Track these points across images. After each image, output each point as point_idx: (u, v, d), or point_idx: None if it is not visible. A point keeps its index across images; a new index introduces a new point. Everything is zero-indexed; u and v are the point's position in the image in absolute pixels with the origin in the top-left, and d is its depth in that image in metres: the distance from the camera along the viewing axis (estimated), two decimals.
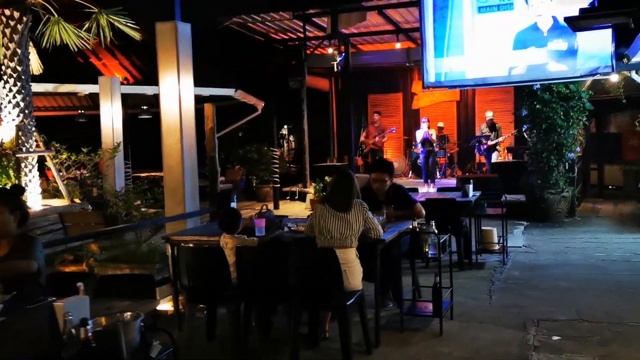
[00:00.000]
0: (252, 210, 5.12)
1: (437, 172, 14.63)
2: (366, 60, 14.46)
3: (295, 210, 12.81)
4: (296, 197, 14.67)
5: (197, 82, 12.07)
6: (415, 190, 8.22)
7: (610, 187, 16.33)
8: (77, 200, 7.68)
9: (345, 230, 4.32)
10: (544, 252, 7.74)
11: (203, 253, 4.46)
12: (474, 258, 7.17)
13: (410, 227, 4.85)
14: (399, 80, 16.53)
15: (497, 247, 7.26)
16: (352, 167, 11.95)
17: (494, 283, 6.23)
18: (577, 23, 5.17)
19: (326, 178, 12.43)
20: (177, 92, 5.46)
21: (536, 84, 9.73)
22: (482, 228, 7.36)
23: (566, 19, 5.11)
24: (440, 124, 14.97)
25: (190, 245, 4.62)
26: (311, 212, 4.71)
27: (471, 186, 7.32)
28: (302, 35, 13.07)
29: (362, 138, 15.08)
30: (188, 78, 5.60)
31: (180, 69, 5.49)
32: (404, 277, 5.18)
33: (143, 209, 6.56)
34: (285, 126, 19.75)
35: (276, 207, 13.41)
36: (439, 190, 8.14)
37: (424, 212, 5.45)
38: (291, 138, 21.57)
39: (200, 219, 6.05)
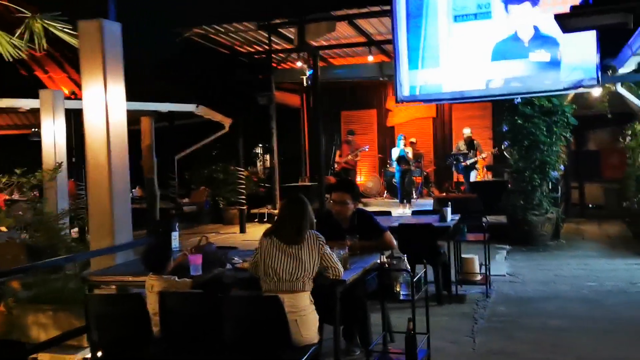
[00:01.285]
0: (205, 239, 4.23)
1: (414, 192, 13.93)
2: (338, 74, 13.75)
3: (259, 233, 11.93)
4: (265, 220, 13.80)
5: (154, 97, 11.46)
6: (389, 213, 7.44)
7: (591, 206, 15.82)
8: (3, 229, 6.73)
9: (296, 270, 3.49)
10: (531, 281, 6.98)
11: (116, 301, 3.58)
12: (454, 289, 6.38)
13: (379, 262, 4.03)
14: (372, 95, 15.85)
15: (479, 277, 6.48)
16: (323, 187, 11.14)
17: (477, 321, 5.43)
18: (568, 22, 4.46)
19: None
20: (103, 103, 4.60)
21: (517, 98, 9.07)
22: (463, 256, 6.57)
23: (556, 17, 4.40)
24: (413, 139, 14.28)
25: (105, 288, 3.74)
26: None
27: (449, 209, 6.55)
28: (268, 48, 12.35)
29: (336, 157, 14.32)
30: (118, 86, 4.75)
31: (108, 76, 4.65)
32: (373, 314, 4.36)
33: (72, 240, 5.66)
34: (260, 145, 18.95)
35: (242, 230, 12.56)
36: (414, 213, 7.37)
37: (395, 242, 4.65)
38: (266, 157, 20.75)
39: (134, 252, 5.16)
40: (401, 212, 12.41)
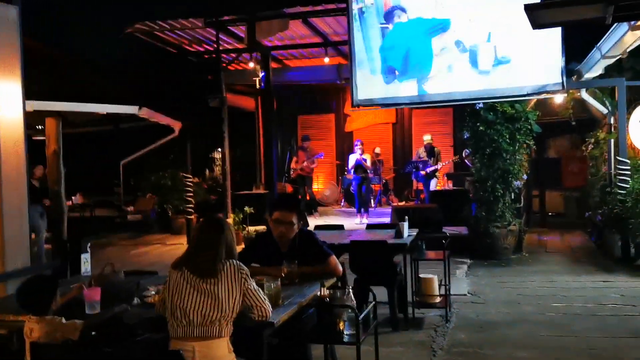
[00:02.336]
0: (110, 266, 3.47)
1: (372, 201, 13.35)
2: (293, 77, 13.09)
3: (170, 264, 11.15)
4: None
5: (92, 98, 10.58)
6: (341, 227, 6.79)
7: (551, 214, 15.59)
8: None
9: (211, 311, 2.79)
10: (494, 302, 6.42)
11: None
12: (410, 312, 5.78)
13: (319, 294, 3.35)
14: (330, 100, 15.26)
15: (438, 299, 5.88)
16: (274, 196, 10.43)
17: (435, 353, 4.82)
18: (538, 15, 3.90)
19: (246, 209, 10.92)
20: None
21: (479, 103, 8.57)
22: (421, 275, 5.96)
23: (526, 9, 3.82)
24: (377, 150, 13.73)
25: None
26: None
27: (406, 224, 5.93)
28: (217, 47, 11.60)
29: (292, 164, 13.63)
30: (12, 81, 3.97)
31: None
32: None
33: None
34: (220, 149, 17.98)
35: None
36: (369, 227, 6.74)
37: (340, 268, 3.98)
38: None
39: None
40: (358, 221, 11.85)
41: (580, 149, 12.73)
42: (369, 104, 8.93)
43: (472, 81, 8.38)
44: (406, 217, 6.09)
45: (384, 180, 13.74)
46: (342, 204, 14.07)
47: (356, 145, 11.91)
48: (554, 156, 17.71)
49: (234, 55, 12.31)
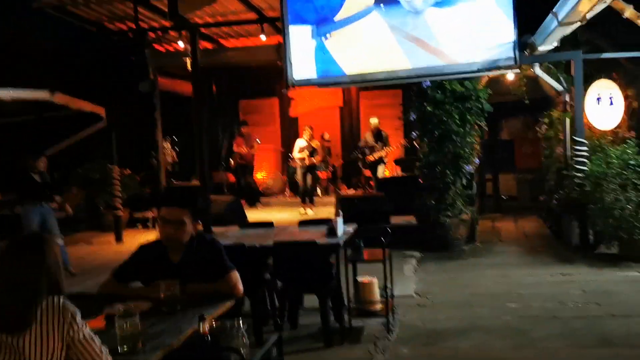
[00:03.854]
0: None
1: (319, 189, 12.53)
2: (230, 57, 12.04)
3: (140, 242, 10.12)
4: (149, 224, 12.00)
5: None
6: (270, 224, 5.91)
7: (504, 197, 15.16)
8: None
9: None
10: (443, 304, 5.67)
11: None
12: (347, 321, 4.98)
13: (200, 329, 2.47)
14: (273, 82, 14.23)
15: (379, 306, 5.08)
16: (207, 189, 9.47)
17: None
18: None
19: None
20: None
21: (426, 81, 7.79)
22: (358, 279, 5.15)
23: None
24: (326, 135, 12.89)
25: None
26: None
27: (341, 220, 5.10)
28: (144, 25, 10.50)
29: (234, 150, 12.65)
30: None
31: None
32: None
33: None
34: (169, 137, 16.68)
35: (119, 238, 10.69)
36: (302, 223, 5.88)
37: (241, 287, 3.12)
38: (171, 151, 18.61)
39: None
40: (303, 212, 11.02)
41: (533, 130, 12.22)
42: (306, 83, 8.05)
43: (417, 57, 7.58)
44: (340, 212, 5.27)
45: (331, 168, 12.91)
46: (287, 193, 13.19)
47: (304, 130, 11.04)
48: (507, 138, 17.32)
49: (161, 33, 11.18)
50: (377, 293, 5.12)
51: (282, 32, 8.00)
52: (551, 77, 8.45)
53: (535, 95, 10.64)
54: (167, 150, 14.83)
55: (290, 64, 7.94)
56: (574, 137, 7.60)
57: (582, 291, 5.76)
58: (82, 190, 12.21)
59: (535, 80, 9.10)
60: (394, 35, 7.66)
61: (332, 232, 5.03)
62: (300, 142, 11.08)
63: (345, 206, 9.12)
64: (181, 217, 3.19)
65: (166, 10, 9.30)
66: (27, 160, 7.94)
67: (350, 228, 5.32)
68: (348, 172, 13.62)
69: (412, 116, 8.07)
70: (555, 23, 5.89)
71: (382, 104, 13.61)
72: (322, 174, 12.69)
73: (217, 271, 3.11)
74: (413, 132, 8.31)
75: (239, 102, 14.56)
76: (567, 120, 8.29)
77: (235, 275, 3.08)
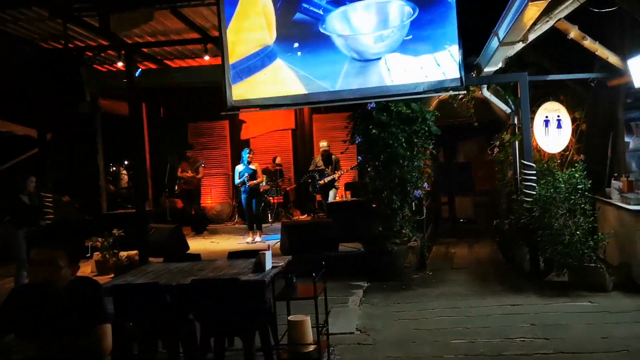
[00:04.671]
0: None
1: (269, 215, 12.08)
2: (176, 78, 11.60)
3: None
4: (88, 255, 11.32)
5: None
6: (197, 257, 5.43)
7: (462, 220, 14.99)
8: None
9: None
10: (384, 342, 5.26)
11: None
12: None
13: None
14: (223, 104, 13.80)
15: (311, 347, 4.63)
16: (145, 217, 8.92)
17: None
18: None
19: (115, 231, 9.38)
20: None
21: (371, 103, 7.48)
22: (290, 318, 4.70)
23: None
24: (277, 159, 12.48)
25: None
26: None
27: (269, 254, 4.68)
28: (80, 44, 10.00)
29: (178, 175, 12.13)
30: None
31: None
32: None
33: None
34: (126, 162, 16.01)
35: None
36: (232, 255, 5.41)
37: (109, 343, 2.65)
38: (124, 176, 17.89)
39: None
40: (250, 240, 10.54)
41: (488, 152, 12.09)
42: (246, 105, 7.65)
43: (361, 77, 7.28)
44: (269, 245, 4.84)
45: (282, 192, 12.48)
46: (235, 220, 12.68)
47: (244, 154, 10.60)
48: (464, 160, 17.23)
49: (103, 54, 10.69)
50: (309, 333, 4.67)
51: (221, 52, 7.61)
52: (499, 99, 8.26)
53: (489, 118, 10.50)
54: (123, 175, 14.21)
55: (230, 86, 7.55)
56: (522, 161, 7.37)
57: (530, 325, 5.43)
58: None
59: (487, 102, 8.92)
60: (342, 48, 7.36)
61: (259, 267, 4.60)
62: (238, 168, 10.65)
63: (290, 233, 8.70)
64: (54, 259, 2.73)
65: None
66: (16, 181, 7.62)
67: (282, 262, 4.89)
68: (301, 197, 13.22)
69: (357, 139, 7.74)
70: (496, 43, 5.66)
71: (335, 127, 13.28)
72: (275, 199, 12.26)
73: (88, 320, 2.64)
74: (359, 157, 7.96)
75: (188, 125, 14.04)
76: (517, 143, 8.09)
77: (104, 330, 2.62)
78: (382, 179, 7.61)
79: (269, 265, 4.62)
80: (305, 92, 7.36)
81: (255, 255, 5.10)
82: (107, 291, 4.30)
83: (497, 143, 9.87)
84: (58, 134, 12.38)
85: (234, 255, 5.43)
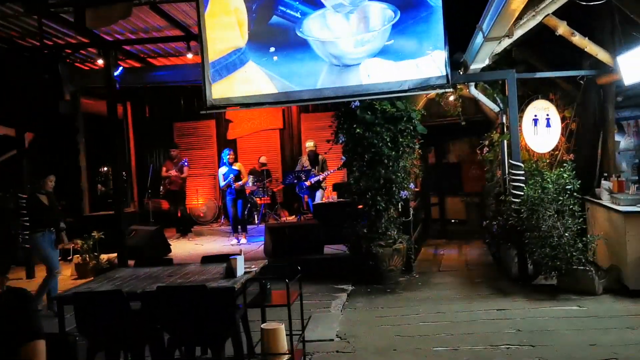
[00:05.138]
0: None
1: (256, 216, 11.84)
2: (160, 77, 11.34)
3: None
4: (70, 258, 11.06)
5: None
6: (169, 261, 5.21)
7: (453, 220, 14.83)
8: None
9: None
10: (364, 349, 5.05)
11: None
12: None
13: None
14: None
15: (285, 357, 4.40)
16: (121, 220, 8.64)
17: None
18: None
19: (94, 234, 9.14)
20: None
21: (355, 101, 7.27)
22: (263, 326, 4.46)
23: None
24: (263, 159, 12.24)
25: None
26: None
27: (241, 258, 4.45)
28: (60, 41, 9.74)
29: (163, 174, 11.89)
30: None
31: None
32: None
33: None
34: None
35: (30, 275, 9.75)
36: (205, 260, 5.18)
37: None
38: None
39: None
40: (235, 243, 10.31)
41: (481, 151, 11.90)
42: (226, 103, 7.41)
43: (344, 75, 7.07)
44: (241, 250, 4.61)
45: (269, 193, 12.25)
46: (221, 222, 12.44)
47: (226, 154, 10.38)
48: (454, 160, 17.04)
49: (84, 52, 10.42)
50: (283, 341, 4.44)
51: (201, 49, 7.38)
52: (488, 97, 8.06)
53: (479, 117, 10.30)
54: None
55: (210, 83, 7.31)
56: (510, 161, 7.17)
57: (516, 330, 5.23)
58: None
59: (476, 101, 8.72)
60: (320, 52, 7.14)
61: (230, 272, 4.37)
62: (221, 170, 10.42)
63: (274, 235, 8.48)
64: None
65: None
66: (32, 181, 7.28)
67: (255, 266, 4.66)
68: (289, 197, 12.99)
69: (342, 139, 7.52)
70: (481, 38, 5.45)
71: (324, 126, 13.01)
72: (261, 200, 12.03)
73: (18, 338, 2.40)
74: (342, 157, 7.74)
75: (173, 124, 13.79)
76: (505, 142, 7.88)
77: (35, 348, 2.37)
78: (367, 179, 7.40)
79: (240, 270, 4.39)
80: (285, 90, 7.13)
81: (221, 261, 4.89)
82: (68, 299, 4.08)
83: (487, 142, 9.68)
84: (38, 133, 12.11)
85: (207, 259, 5.20)
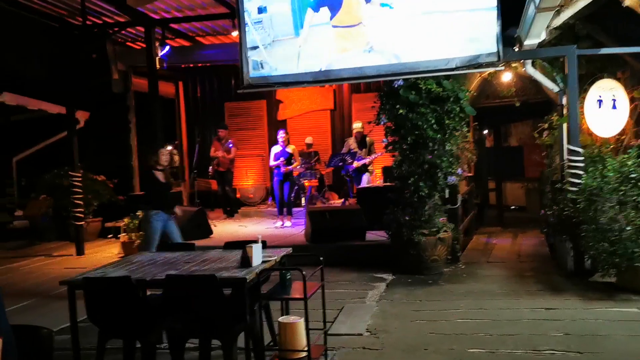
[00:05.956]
0: None
1: (303, 199, 11.61)
2: (207, 57, 11.24)
3: (103, 256, 9.43)
4: (120, 235, 11.22)
5: None
6: (191, 246, 5.01)
7: (512, 207, 14.13)
8: None
9: None
10: (394, 346, 4.70)
11: None
12: None
13: None
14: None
15: (303, 354, 4.12)
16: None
17: None
18: None
19: (138, 212, 9.16)
20: None
21: (398, 80, 6.83)
22: (280, 320, 4.19)
23: None
24: (309, 139, 11.97)
25: None
26: None
27: (258, 247, 4.19)
28: (109, 20, 9.75)
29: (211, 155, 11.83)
30: None
31: None
32: None
33: None
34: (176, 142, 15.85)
35: (80, 251, 9.92)
36: (228, 246, 4.94)
37: None
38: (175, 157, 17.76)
39: None
40: (279, 225, 10.13)
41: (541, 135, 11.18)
42: (264, 82, 7.14)
43: (388, 51, 6.64)
44: (259, 236, 4.33)
45: (318, 175, 11.96)
46: (269, 202, 12.29)
47: (279, 135, 10.19)
48: (515, 144, 16.22)
49: (134, 31, 10.40)
50: (302, 336, 4.16)
51: (238, 23, 7.12)
52: (546, 76, 7.42)
53: (539, 98, 9.62)
54: (175, 156, 14.06)
55: (247, 61, 7.06)
56: (568, 146, 6.55)
57: (564, 334, 4.73)
58: (49, 198, 11.48)
59: (537, 81, 8.07)
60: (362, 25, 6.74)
61: (245, 261, 4.12)
62: (274, 149, 10.22)
63: (315, 220, 8.20)
64: None
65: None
66: (147, 154, 6.75)
67: (275, 255, 4.39)
68: (339, 180, 12.68)
69: (383, 120, 7.10)
70: (532, 9, 4.90)
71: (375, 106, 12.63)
72: (309, 182, 11.77)
73: None
74: (384, 139, 7.33)
75: (224, 104, 13.70)
76: (564, 126, 7.24)
77: None
78: (410, 163, 6.97)
79: (257, 260, 4.13)
80: (328, 66, 6.78)
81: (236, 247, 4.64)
82: (78, 284, 3.95)
83: (546, 125, 9.00)
84: (92, 112, 12.32)
85: (230, 245, 4.97)
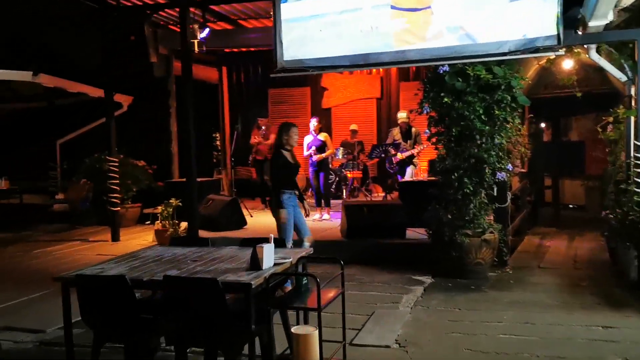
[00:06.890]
0: None
1: (344, 191, 11.13)
2: (248, 40, 10.85)
3: (138, 242, 9.27)
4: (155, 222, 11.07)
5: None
6: (205, 241, 4.62)
7: (571, 206, 13.22)
8: None
9: None
10: None
11: None
12: None
13: None
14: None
15: None
16: (194, 187, 8.24)
17: None
18: None
19: (172, 200, 8.91)
20: None
21: (443, 65, 6.21)
22: (293, 330, 3.73)
23: None
24: (354, 127, 11.46)
25: None
26: None
27: (270, 247, 3.74)
28: (148, 1, 9.49)
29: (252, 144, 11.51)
30: None
31: None
32: None
33: None
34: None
35: (115, 237, 9.79)
36: (245, 242, 4.52)
37: None
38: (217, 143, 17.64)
39: None
40: (318, 217, 9.69)
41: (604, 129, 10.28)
42: (298, 66, 6.67)
43: (433, 34, 6.04)
44: (271, 236, 3.88)
45: (361, 166, 11.44)
46: (309, 193, 11.85)
47: (312, 123, 9.75)
48: (576, 139, 15.19)
49: (173, 12, 10.11)
50: (315, 348, 3.69)
51: (273, 5, 6.67)
52: (613, 64, 6.63)
53: (605, 88, 8.79)
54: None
55: (281, 43, 6.61)
56: (635, 142, 5.80)
57: (622, 358, 4.09)
58: (89, 182, 11.44)
59: (602, 69, 7.28)
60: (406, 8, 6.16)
61: (254, 264, 3.67)
62: (307, 138, 9.79)
63: (351, 215, 7.72)
64: None
65: None
66: (279, 132, 6.16)
67: (289, 257, 3.93)
68: (384, 173, 12.11)
69: (425, 109, 6.51)
70: None
71: None
72: (351, 174, 11.27)
73: None
74: (426, 130, 6.73)
75: (268, 90, 13.33)
76: (631, 119, 6.46)
77: None
78: (454, 157, 6.37)
79: (269, 262, 3.68)
80: (365, 50, 6.24)
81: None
82: (71, 281, 3.61)
83: (611, 119, 8.16)
84: (136, 97, 12.18)
85: (247, 241, 4.54)
